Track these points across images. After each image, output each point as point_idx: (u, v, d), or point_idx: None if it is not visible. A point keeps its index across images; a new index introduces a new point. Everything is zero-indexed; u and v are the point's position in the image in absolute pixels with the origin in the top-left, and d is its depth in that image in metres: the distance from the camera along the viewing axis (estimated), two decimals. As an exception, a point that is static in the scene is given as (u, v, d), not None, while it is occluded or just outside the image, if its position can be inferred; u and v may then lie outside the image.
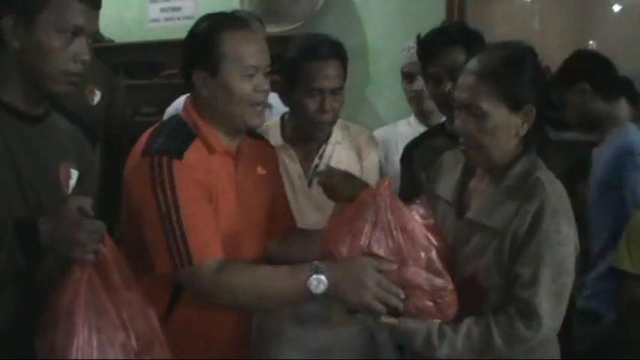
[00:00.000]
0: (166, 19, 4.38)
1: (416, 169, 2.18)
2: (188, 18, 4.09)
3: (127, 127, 2.87)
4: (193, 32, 1.74)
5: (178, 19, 4.32)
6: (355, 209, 1.57)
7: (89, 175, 1.64)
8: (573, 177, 2.52)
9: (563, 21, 3.55)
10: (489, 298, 1.56)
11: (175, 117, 1.78)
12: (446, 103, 2.05)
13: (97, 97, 2.65)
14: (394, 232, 1.53)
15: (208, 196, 1.64)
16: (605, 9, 3.49)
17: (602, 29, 3.45)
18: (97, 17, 1.52)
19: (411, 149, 2.26)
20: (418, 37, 2.17)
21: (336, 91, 2.05)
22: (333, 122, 2.11)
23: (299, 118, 2.14)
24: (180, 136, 1.68)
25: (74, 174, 1.58)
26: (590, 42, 3.46)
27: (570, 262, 1.54)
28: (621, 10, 3.43)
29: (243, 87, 1.66)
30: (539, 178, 1.56)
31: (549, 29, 3.57)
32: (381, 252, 1.52)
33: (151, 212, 1.57)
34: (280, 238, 1.91)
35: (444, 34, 2.10)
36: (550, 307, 1.50)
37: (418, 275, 1.52)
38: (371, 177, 2.17)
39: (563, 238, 1.52)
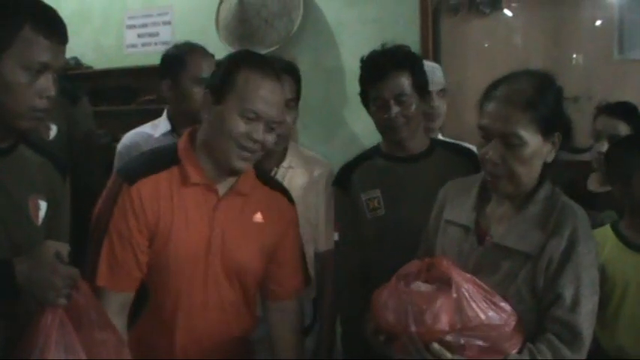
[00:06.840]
0: (143, 45, 4.40)
1: (356, 190, 2.15)
2: (165, 43, 4.09)
3: (95, 154, 2.60)
4: (224, 59, 1.79)
5: (155, 44, 4.34)
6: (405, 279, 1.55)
7: (60, 206, 1.64)
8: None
9: (544, 36, 3.55)
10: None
11: (173, 141, 1.84)
12: (390, 127, 2.08)
13: (53, 131, 2.40)
14: (480, 303, 1.48)
15: (148, 228, 1.68)
16: (584, 24, 3.51)
17: (584, 43, 3.48)
18: (63, 52, 1.48)
19: (349, 172, 2.21)
20: (361, 59, 2.14)
21: (287, 104, 2.05)
22: (283, 137, 2.14)
23: None
24: (158, 160, 1.73)
25: (43, 205, 1.58)
26: (574, 55, 3.50)
27: (598, 283, 1.56)
28: (601, 24, 3.47)
29: (237, 125, 1.66)
30: (566, 202, 1.58)
31: (531, 45, 3.58)
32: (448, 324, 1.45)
33: (94, 221, 1.70)
34: (276, 292, 1.90)
35: (391, 58, 2.07)
36: (589, 327, 1.51)
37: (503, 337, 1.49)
38: (319, 186, 2.25)
39: (593, 260, 1.55)
